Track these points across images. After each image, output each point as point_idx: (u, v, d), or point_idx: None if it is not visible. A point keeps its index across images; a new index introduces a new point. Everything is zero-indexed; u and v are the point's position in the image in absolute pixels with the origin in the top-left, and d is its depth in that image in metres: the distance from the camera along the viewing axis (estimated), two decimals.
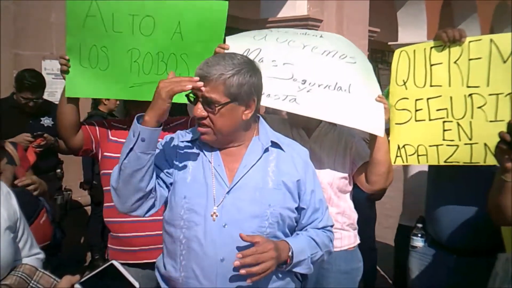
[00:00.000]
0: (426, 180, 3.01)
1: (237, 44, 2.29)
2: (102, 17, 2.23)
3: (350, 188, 2.48)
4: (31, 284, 1.67)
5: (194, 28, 2.28)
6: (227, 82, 1.61)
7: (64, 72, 2.29)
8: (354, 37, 7.30)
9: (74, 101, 2.34)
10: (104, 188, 2.43)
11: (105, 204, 2.44)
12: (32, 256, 1.76)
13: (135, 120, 1.59)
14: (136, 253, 2.26)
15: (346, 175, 2.42)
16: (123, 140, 2.36)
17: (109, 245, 2.45)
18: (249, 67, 1.67)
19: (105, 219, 2.43)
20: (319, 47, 2.34)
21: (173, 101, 2.39)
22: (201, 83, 1.58)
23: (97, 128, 2.43)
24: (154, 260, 2.23)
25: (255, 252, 1.54)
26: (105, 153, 2.40)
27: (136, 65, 2.30)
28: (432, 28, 9.96)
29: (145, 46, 2.28)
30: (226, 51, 2.23)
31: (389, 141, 2.37)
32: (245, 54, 2.20)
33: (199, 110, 1.65)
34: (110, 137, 2.42)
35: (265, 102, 2.13)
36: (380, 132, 2.21)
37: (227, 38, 2.29)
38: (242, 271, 1.53)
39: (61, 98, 2.37)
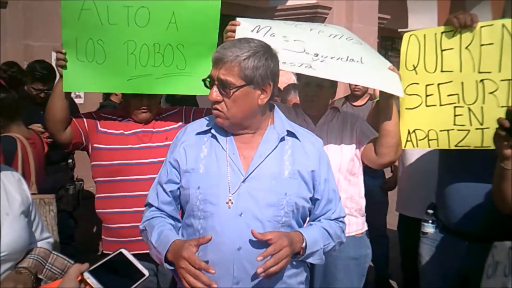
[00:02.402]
0: (423, 169, 3.03)
1: (248, 22, 2.30)
2: (97, 9, 2.22)
3: (359, 169, 2.49)
4: (46, 266, 1.70)
5: (189, 18, 2.26)
6: (242, 64, 1.60)
7: (61, 66, 2.28)
8: (363, 24, 7.24)
9: (66, 95, 2.33)
10: (95, 180, 2.42)
11: (96, 195, 2.42)
12: (44, 240, 1.80)
13: (163, 259, 1.63)
14: (128, 243, 2.23)
15: (353, 157, 2.45)
16: (113, 131, 2.38)
17: (102, 237, 2.44)
18: (266, 51, 1.66)
19: (96, 210, 2.41)
20: (325, 31, 2.38)
21: (183, 93, 2.39)
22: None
23: (84, 120, 2.41)
24: (147, 251, 2.24)
25: (273, 252, 1.53)
26: (95, 145, 2.38)
27: (133, 57, 2.29)
28: (443, 15, 9.82)
29: (141, 37, 2.27)
30: (237, 27, 2.23)
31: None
32: (255, 30, 2.23)
33: (214, 94, 1.64)
34: (100, 128, 2.39)
35: (280, 67, 2.14)
36: (399, 92, 2.24)
37: (238, 18, 2.29)
38: (262, 274, 1.52)
39: (53, 92, 2.35)
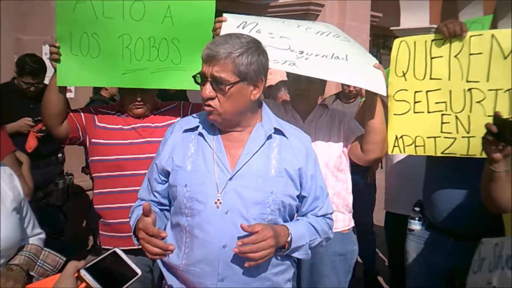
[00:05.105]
0: (410, 166, 3.06)
1: (235, 18, 2.30)
2: (92, 3, 2.20)
3: (346, 166, 2.52)
4: (38, 263, 1.70)
5: (184, 13, 2.25)
6: (236, 61, 1.60)
7: (54, 60, 2.26)
8: (356, 21, 7.25)
9: (62, 90, 2.31)
10: (93, 175, 2.42)
11: (94, 191, 2.42)
12: (35, 236, 1.79)
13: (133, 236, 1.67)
14: (127, 239, 2.25)
15: (341, 153, 2.47)
16: (111, 126, 2.37)
17: (100, 232, 2.44)
18: (257, 46, 1.66)
19: (95, 206, 2.42)
20: (313, 28, 2.39)
21: (178, 87, 2.39)
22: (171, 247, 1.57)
23: (82, 114, 2.40)
24: None
25: (255, 241, 1.56)
26: (93, 140, 2.37)
27: (128, 51, 2.27)
28: (435, 13, 9.83)
29: (136, 31, 2.25)
30: (223, 23, 2.23)
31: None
32: (241, 26, 2.24)
33: (208, 90, 1.63)
34: (97, 123, 2.38)
35: None
36: (382, 91, 2.25)
37: (224, 14, 2.29)
38: (240, 255, 1.56)
39: (48, 87, 2.34)
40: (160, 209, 1.84)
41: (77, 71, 2.28)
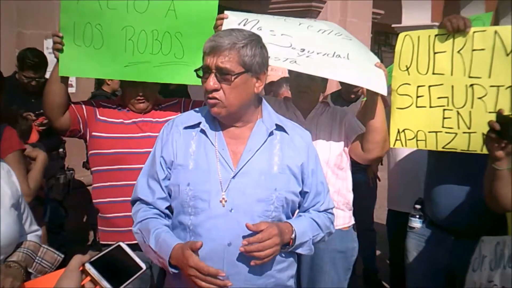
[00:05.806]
0: (413, 164, 3.07)
1: (236, 15, 2.31)
2: None
3: (347, 163, 2.52)
4: (36, 260, 1.70)
5: (188, 7, 2.26)
6: (241, 52, 1.61)
7: (57, 50, 2.26)
8: (357, 19, 7.24)
9: (64, 80, 2.31)
10: (93, 169, 2.40)
11: (93, 185, 2.41)
12: (33, 233, 1.79)
13: (168, 265, 1.60)
14: (126, 233, 2.22)
15: (342, 151, 2.48)
16: (112, 120, 2.37)
17: (99, 227, 2.42)
18: (258, 40, 1.68)
19: (93, 200, 2.40)
20: (315, 26, 2.39)
21: (180, 82, 2.38)
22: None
23: (84, 107, 2.39)
24: None
25: (260, 240, 1.56)
26: (94, 133, 2.36)
27: (131, 44, 2.27)
28: (436, 11, 9.83)
29: (139, 23, 2.25)
30: (225, 20, 2.24)
31: (388, 124, 2.40)
32: (243, 23, 2.24)
33: (212, 82, 1.62)
34: (98, 116, 2.37)
35: None
36: (383, 90, 2.24)
37: (226, 11, 2.29)
38: (247, 254, 1.56)
39: (50, 77, 2.33)
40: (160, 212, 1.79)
41: (79, 62, 2.28)
